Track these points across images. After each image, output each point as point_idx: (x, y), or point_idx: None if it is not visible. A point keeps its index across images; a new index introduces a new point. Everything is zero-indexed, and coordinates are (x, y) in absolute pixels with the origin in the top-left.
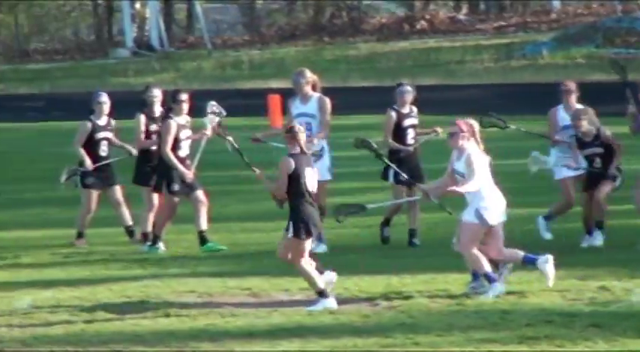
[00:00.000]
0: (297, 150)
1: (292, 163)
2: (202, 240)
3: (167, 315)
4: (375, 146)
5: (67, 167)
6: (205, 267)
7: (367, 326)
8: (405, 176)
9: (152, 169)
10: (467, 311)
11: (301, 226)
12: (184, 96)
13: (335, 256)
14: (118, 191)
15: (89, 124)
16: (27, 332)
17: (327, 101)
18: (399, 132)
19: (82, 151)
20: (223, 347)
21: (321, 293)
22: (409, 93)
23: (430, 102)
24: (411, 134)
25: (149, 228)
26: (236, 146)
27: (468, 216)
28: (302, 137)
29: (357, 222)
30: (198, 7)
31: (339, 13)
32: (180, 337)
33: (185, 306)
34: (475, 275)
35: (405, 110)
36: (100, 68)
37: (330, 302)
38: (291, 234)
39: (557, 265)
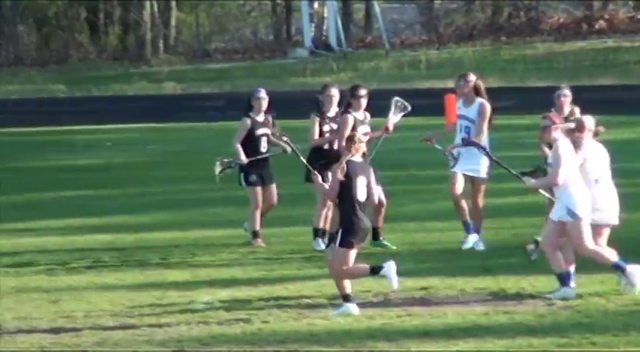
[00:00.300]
0: (356, 157)
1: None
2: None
3: (342, 315)
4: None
5: (220, 159)
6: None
7: (543, 326)
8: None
9: (324, 167)
10: None
11: (347, 234)
12: (363, 92)
13: (514, 256)
14: (274, 191)
15: (248, 121)
16: (205, 332)
17: (487, 108)
18: None
19: (239, 147)
20: (399, 346)
21: (346, 298)
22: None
23: (606, 102)
24: None
25: (322, 225)
26: (292, 146)
27: (560, 216)
28: (360, 146)
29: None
30: (377, 7)
31: (517, 13)
32: (356, 336)
33: (361, 305)
34: (617, 267)
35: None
36: (279, 68)
37: (352, 308)
38: (337, 241)
39: None
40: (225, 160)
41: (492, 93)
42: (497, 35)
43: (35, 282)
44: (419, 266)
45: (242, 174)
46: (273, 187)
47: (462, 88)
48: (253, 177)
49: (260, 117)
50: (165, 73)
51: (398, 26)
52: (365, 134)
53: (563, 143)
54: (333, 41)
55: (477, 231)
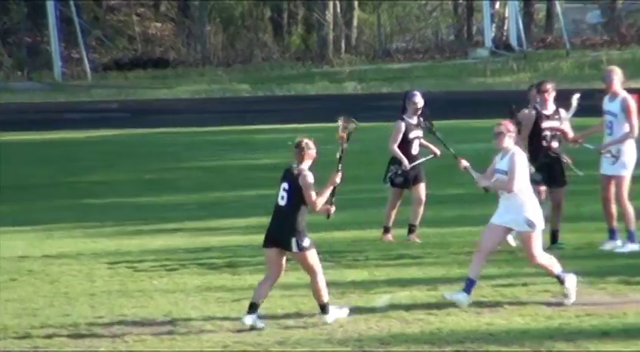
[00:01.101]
0: None
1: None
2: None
3: (521, 315)
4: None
5: (391, 166)
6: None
7: None
8: None
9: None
10: None
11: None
12: (547, 86)
13: None
14: (422, 188)
15: (402, 124)
16: (384, 331)
17: (630, 101)
18: None
19: (399, 152)
20: (577, 347)
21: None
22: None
23: None
24: None
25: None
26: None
27: (520, 228)
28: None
29: None
30: (559, 7)
31: None
32: (534, 336)
33: (539, 305)
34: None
35: None
36: (459, 68)
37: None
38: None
39: None
40: (392, 168)
41: None
42: None
43: (219, 281)
44: (598, 266)
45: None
46: (422, 185)
47: (610, 82)
48: (399, 179)
49: (414, 120)
50: (346, 72)
51: (579, 27)
52: (551, 129)
53: (519, 152)
54: (513, 41)
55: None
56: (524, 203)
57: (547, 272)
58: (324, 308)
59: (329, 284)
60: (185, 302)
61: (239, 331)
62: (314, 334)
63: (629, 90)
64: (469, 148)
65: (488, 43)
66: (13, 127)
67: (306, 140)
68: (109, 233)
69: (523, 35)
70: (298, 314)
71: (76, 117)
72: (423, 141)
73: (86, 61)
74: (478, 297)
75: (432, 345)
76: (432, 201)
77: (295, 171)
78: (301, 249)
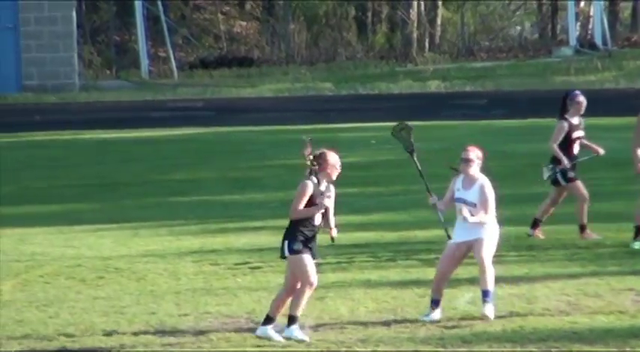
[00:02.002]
0: None
1: None
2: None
3: (605, 313)
4: (412, 140)
5: (545, 165)
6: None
7: None
8: None
9: None
10: None
11: None
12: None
13: None
14: (581, 186)
15: (565, 124)
16: (467, 329)
17: None
18: None
19: (558, 150)
20: (607, 344)
21: None
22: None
23: None
24: None
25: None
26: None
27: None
28: None
29: None
30: None
31: None
32: (618, 335)
33: (623, 304)
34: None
35: None
36: (543, 66)
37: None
38: None
39: None
40: (550, 166)
41: None
42: None
43: None
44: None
45: (558, 174)
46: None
47: None
48: (571, 173)
49: (575, 120)
50: (430, 71)
51: None
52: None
53: (487, 180)
54: (598, 40)
55: None
56: (487, 226)
57: (481, 279)
58: (292, 320)
59: (411, 282)
60: (268, 301)
61: (322, 329)
62: (396, 332)
63: None
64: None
65: (573, 41)
66: (101, 125)
67: (322, 151)
68: (194, 231)
69: (608, 34)
70: (379, 311)
71: (162, 115)
72: (584, 141)
73: (173, 59)
74: (560, 295)
75: (514, 344)
76: (520, 199)
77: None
78: (291, 251)
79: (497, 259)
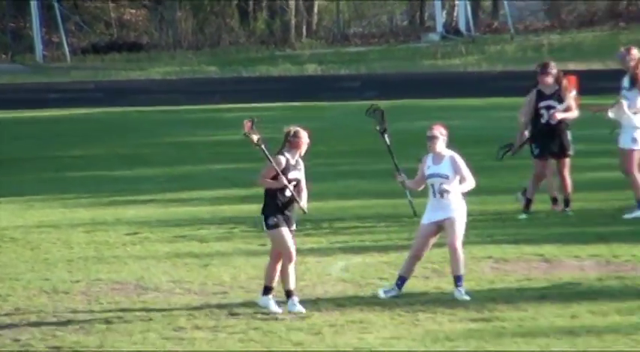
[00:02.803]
0: None
1: None
2: None
3: (466, 280)
4: (384, 121)
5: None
6: (502, 234)
7: None
8: None
9: None
10: None
11: None
12: (548, 68)
13: (627, 225)
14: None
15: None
16: (340, 294)
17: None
18: None
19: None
20: (517, 308)
21: None
22: None
23: None
24: None
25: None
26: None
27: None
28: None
29: None
30: None
31: (636, 1)
32: (477, 300)
33: (483, 271)
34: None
35: None
36: (412, 51)
37: None
38: None
39: None
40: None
41: (613, 75)
42: (616, 21)
43: (187, 248)
44: (536, 234)
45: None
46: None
47: (627, 63)
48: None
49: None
50: (307, 55)
51: (523, 13)
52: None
53: (455, 153)
54: (462, 26)
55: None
56: (457, 202)
57: (452, 266)
58: (289, 294)
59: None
60: (156, 268)
61: (205, 294)
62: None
63: (567, 72)
64: (420, 126)
65: (439, 28)
66: None
67: (295, 129)
68: (86, 203)
69: (471, 21)
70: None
71: (56, 96)
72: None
73: (65, 44)
74: (427, 263)
75: (383, 307)
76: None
77: None
78: (268, 226)
79: (370, 230)
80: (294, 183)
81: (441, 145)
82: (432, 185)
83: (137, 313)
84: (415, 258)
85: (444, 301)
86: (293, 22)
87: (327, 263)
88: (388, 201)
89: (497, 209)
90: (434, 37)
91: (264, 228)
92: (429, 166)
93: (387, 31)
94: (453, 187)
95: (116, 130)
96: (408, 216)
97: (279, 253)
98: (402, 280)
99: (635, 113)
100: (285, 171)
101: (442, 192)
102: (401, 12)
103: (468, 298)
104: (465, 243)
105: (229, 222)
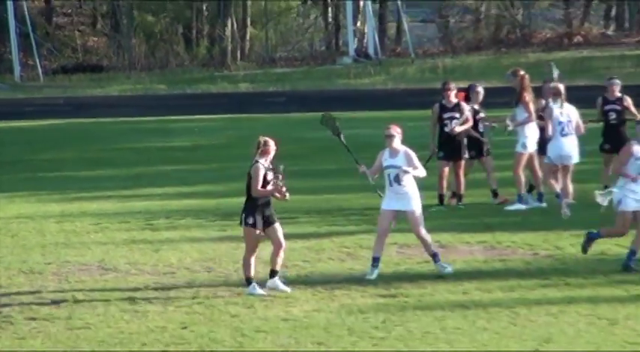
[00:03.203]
0: None
1: None
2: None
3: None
4: (337, 126)
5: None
6: (406, 225)
7: (529, 271)
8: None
9: None
10: (608, 259)
11: None
12: (448, 86)
13: (509, 216)
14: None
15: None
16: (262, 275)
17: (526, 97)
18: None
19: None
20: (419, 286)
21: None
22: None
23: (583, 99)
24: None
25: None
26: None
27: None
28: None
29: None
30: (406, 25)
31: (514, 30)
32: (385, 279)
33: (390, 254)
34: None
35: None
36: (329, 72)
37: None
38: None
39: None
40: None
41: (495, 92)
42: (498, 47)
43: (141, 236)
44: (434, 224)
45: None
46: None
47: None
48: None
49: (477, 106)
50: (241, 76)
51: (421, 40)
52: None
53: (408, 148)
54: (371, 51)
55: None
56: (413, 192)
57: (425, 249)
58: (272, 273)
59: (227, 238)
60: (115, 252)
61: (157, 274)
62: (215, 276)
63: (459, 90)
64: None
65: (352, 52)
66: None
67: (265, 139)
68: (57, 199)
69: (378, 46)
70: (202, 261)
71: (31, 109)
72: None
73: (39, 66)
74: (342, 248)
75: (306, 285)
76: (312, 174)
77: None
78: (245, 224)
79: (293, 221)
80: (272, 182)
81: (397, 142)
82: (389, 175)
83: (99, 290)
84: (381, 237)
85: (356, 280)
86: (229, 47)
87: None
88: (308, 196)
89: None
90: (347, 60)
91: (242, 224)
92: (386, 159)
93: (308, 55)
94: (416, 171)
95: (82, 138)
96: (327, 209)
97: (278, 243)
98: (376, 260)
99: (518, 125)
100: (265, 175)
101: (399, 178)
102: (319, 39)
103: (450, 270)
104: (374, 231)
105: (177, 214)
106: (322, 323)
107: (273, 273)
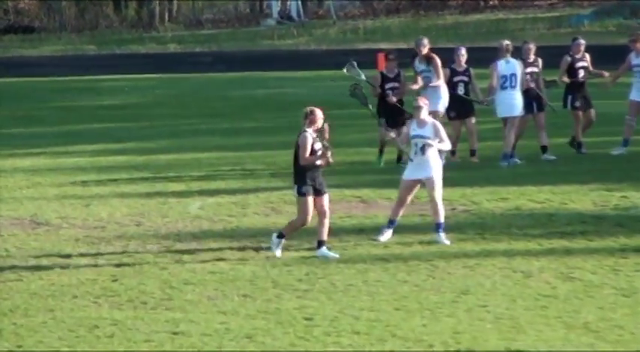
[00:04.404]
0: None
1: None
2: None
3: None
4: (365, 96)
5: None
6: (329, 181)
7: (448, 225)
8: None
9: None
10: (522, 214)
11: None
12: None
13: None
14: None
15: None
16: (197, 228)
17: (437, 61)
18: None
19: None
20: (340, 240)
21: None
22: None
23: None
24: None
25: None
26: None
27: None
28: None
29: None
30: None
31: None
32: (308, 233)
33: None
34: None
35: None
36: (254, 34)
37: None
38: None
39: (591, 180)
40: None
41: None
42: (417, 9)
43: (72, 191)
44: (356, 179)
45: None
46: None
47: (421, 48)
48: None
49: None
50: (169, 37)
51: (343, 2)
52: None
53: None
54: (294, 13)
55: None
56: (435, 162)
57: (434, 215)
58: (319, 244)
59: (155, 193)
60: (47, 207)
61: (87, 228)
62: (144, 230)
63: (379, 51)
64: (261, 93)
65: (275, 14)
66: None
67: (311, 108)
68: None
69: (301, 9)
70: (131, 215)
71: None
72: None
73: None
74: (267, 203)
75: (232, 239)
76: (237, 132)
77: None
78: (299, 193)
79: (221, 176)
80: (320, 151)
81: (424, 113)
82: (416, 144)
83: (32, 243)
84: (400, 204)
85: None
86: (157, 9)
87: (186, 203)
88: (235, 153)
89: None
90: (271, 22)
91: (295, 193)
92: (414, 129)
93: (233, 17)
94: (442, 144)
95: (14, 97)
96: (252, 165)
97: (323, 211)
98: (391, 222)
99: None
100: (312, 144)
101: (424, 149)
102: (244, 1)
103: (448, 242)
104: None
105: (107, 170)
106: (248, 275)
107: (320, 244)
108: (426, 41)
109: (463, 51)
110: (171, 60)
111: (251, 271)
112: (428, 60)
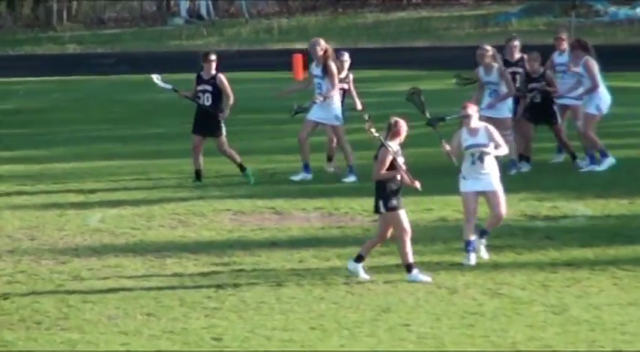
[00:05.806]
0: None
1: None
2: None
3: (207, 229)
4: (423, 102)
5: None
6: (240, 191)
7: (368, 238)
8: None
9: None
10: (448, 226)
11: None
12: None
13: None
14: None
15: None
16: (97, 242)
17: (333, 69)
18: None
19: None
20: (252, 254)
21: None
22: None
23: (423, 60)
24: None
25: None
26: None
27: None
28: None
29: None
30: None
31: None
32: (218, 246)
33: (223, 221)
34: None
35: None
36: (160, 33)
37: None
38: None
39: (520, 188)
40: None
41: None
42: (335, 7)
43: None
44: (269, 189)
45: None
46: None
47: (316, 52)
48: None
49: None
50: (68, 37)
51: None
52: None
53: (489, 124)
54: (203, 12)
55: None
56: (494, 171)
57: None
58: (408, 268)
59: (52, 205)
60: None
61: None
62: (39, 244)
63: (296, 51)
64: (167, 96)
65: (183, 13)
66: None
67: (395, 119)
68: None
69: (211, 7)
70: (25, 228)
71: None
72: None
73: None
74: (173, 215)
75: (135, 254)
76: (140, 138)
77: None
78: (387, 209)
79: (124, 186)
80: (404, 167)
81: (475, 121)
82: (472, 154)
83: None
84: (470, 222)
85: (189, 248)
86: (55, 7)
87: (85, 215)
88: (138, 161)
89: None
90: (179, 21)
91: (384, 210)
92: (466, 139)
93: (138, 15)
94: (499, 150)
95: None
96: (156, 174)
97: (385, 235)
98: (469, 244)
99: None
100: (393, 159)
101: (482, 157)
102: None
103: (473, 263)
104: (207, 197)
105: None
106: (152, 292)
107: (409, 267)
108: (322, 43)
109: (346, 56)
110: (70, 61)
111: (156, 288)
112: (324, 66)
